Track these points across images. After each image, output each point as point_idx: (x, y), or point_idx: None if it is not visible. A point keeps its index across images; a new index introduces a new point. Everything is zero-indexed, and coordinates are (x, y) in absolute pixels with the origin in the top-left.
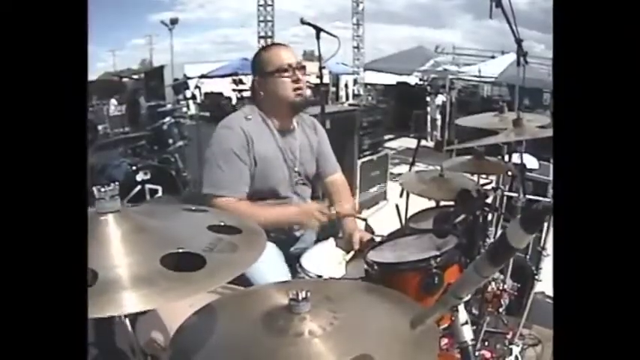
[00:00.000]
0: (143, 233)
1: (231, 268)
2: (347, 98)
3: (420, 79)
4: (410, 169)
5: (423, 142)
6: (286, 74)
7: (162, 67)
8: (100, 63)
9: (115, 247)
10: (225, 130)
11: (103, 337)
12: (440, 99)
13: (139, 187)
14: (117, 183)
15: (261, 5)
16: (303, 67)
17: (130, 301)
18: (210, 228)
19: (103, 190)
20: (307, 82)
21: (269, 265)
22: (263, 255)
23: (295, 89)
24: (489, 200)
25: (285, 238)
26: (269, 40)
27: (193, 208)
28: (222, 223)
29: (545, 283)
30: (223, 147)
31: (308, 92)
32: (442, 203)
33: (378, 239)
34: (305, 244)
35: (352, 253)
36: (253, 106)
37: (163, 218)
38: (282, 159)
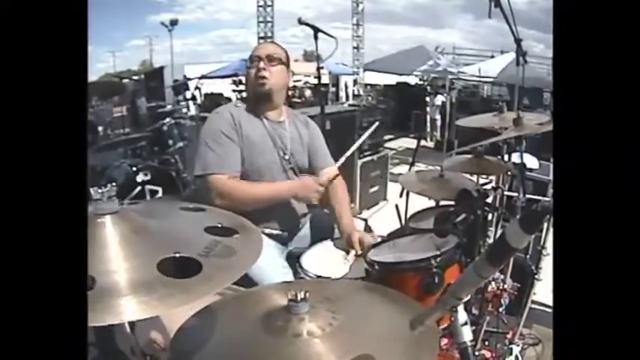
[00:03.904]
0: (141, 235)
1: (228, 273)
2: (347, 98)
3: (420, 79)
4: (410, 169)
5: (423, 142)
6: (252, 64)
7: (162, 68)
8: (100, 64)
9: (113, 250)
10: (214, 114)
11: (102, 337)
12: (439, 99)
13: (139, 188)
14: (114, 184)
15: (260, 6)
16: (274, 59)
17: (128, 309)
18: (207, 230)
19: (100, 190)
20: (306, 82)
21: (269, 266)
22: (263, 255)
23: (257, 78)
24: (489, 200)
25: (283, 237)
26: (269, 41)
27: (191, 206)
28: (220, 225)
29: (544, 293)
30: (212, 129)
31: (271, 83)
32: (442, 203)
33: (378, 239)
34: (304, 244)
35: (353, 252)
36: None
37: (161, 218)
38: (271, 144)
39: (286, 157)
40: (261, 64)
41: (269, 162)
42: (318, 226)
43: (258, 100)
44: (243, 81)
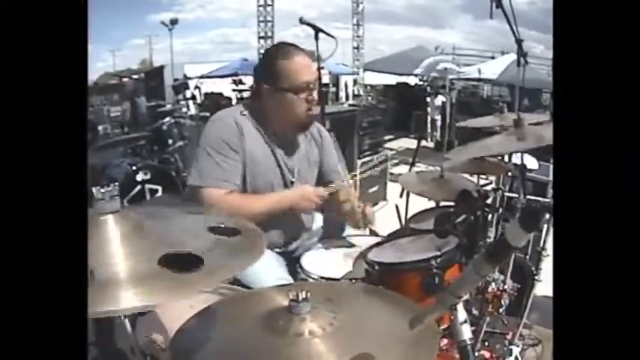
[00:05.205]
0: (142, 234)
1: (229, 268)
2: (347, 98)
3: (420, 80)
4: (410, 170)
5: (423, 143)
6: (302, 95)
7: (162, 68)
8: (100, 63)
9: (115, 248)
10: (216, 120)
11: (102, 337)
12: (440, 99)
13: (138, 187)
14: (116, 183)
15: (261, 5)
16: (319, 82)
17: (127, 299)
18: (210, 229)
19: (102, 190)
20: None
21: (269, 272)
22: (263, 261)
23: (307, 109)
24: (489, 201)
25: (286, 249)
26: (269, 41)
27: (194, 210)
28: (223, 225)
29: (544, 293)
30: (213, 136)
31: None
32: (442, 204)
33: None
34: (304, 246)
35: (356, 251)
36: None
37: (163, 219)
38: (274, 162)
39: (293, 178)
40: (315, 95)
41: (271, 181)
42: (328, 223)
43: (297, 127)
44: (244, 81)
